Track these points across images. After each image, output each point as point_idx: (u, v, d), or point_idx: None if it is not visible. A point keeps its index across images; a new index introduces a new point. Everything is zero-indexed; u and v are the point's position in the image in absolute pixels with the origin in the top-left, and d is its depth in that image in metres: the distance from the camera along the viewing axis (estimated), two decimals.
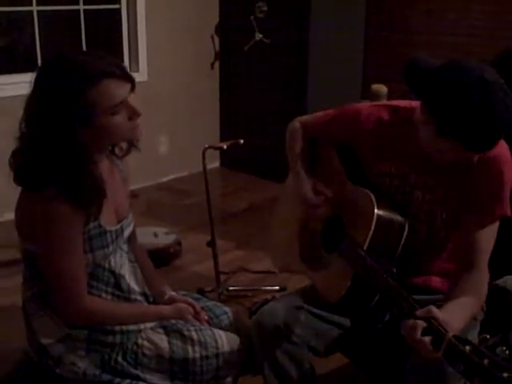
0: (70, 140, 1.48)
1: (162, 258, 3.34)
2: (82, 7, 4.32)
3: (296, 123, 2.00)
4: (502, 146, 1.59)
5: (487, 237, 1.61)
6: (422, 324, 1.33)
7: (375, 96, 3.58)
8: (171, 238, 3.51)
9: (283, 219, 2.09)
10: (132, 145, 1.71)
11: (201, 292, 2.97)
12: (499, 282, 1.85)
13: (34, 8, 4.07)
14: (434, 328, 1.31)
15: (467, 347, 1.22)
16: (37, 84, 1.50)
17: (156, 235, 3.51)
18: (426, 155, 1.62)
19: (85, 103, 1.46)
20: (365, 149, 1.80)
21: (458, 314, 1.42)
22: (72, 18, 4.33)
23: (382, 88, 3.57)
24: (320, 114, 1.97)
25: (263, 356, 1.75)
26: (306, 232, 1.93)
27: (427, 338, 1.32)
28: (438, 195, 1.68)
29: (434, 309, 1.36)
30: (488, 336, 1.23)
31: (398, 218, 1.65)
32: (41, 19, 4.12)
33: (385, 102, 1.91)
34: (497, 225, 1.62)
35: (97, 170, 1.57)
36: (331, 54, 4.42)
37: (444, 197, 1.67)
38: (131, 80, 1.55)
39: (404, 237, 1.63)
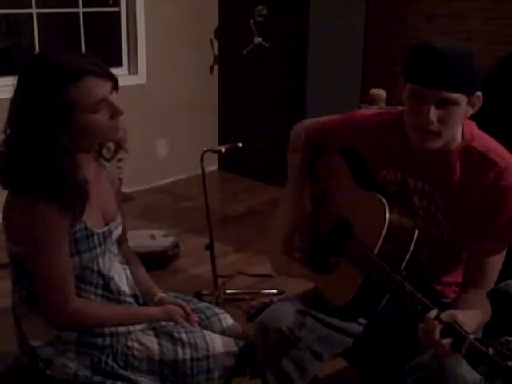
0: (50, 140, 1.47)
1: (159, 260, 3.33)
2: (81, 10, 4.33)
3: (299, 128, 1.98)
4: None
5: (499, 259, 1.60)
6: (439, 325, 1.32)
7: (374, 100, 3.58)
8: (169, 241, 3.49)
9: (282, 222, 2.07)
10: (119, 146, 1.70)
11: (198, 295, 2.96)
12: (501, 285, 1.84)
13: (34, 10, 4.07)
14: (454, 330, 1.30)
15: (490, 349, 1.22)
16: (19, 84, 1.51)
17: (154, 237, 3.47)
18: (426, 160, 1.62)
19: (65, 101, 1.46)
20: (368, 154, 1.79)
21: (471, 319, 1.41)
22: (71, 21, 4.34)
23: (381, 92, 3.57)
24: (325, 118, 1.95)
25: (266, 362, 1.72)
26: (307, 236, 1.91)
27: (446, 340, 1.31)
28: (440, 205, 1.65)
29: (456, 312, 1.35)
30: (510, 338, 1.21)
31: (408, 222, 1.64)
32: (40, 21, 4.13)
33: (389, 109, 1.89)
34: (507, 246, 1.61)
35: (80, 171, 1.55)
36: (330, 58, 4.42)
37: (447, 207, 1.64)
38: (113, 78, 1.55)
39: (413, 242, 1.61)
